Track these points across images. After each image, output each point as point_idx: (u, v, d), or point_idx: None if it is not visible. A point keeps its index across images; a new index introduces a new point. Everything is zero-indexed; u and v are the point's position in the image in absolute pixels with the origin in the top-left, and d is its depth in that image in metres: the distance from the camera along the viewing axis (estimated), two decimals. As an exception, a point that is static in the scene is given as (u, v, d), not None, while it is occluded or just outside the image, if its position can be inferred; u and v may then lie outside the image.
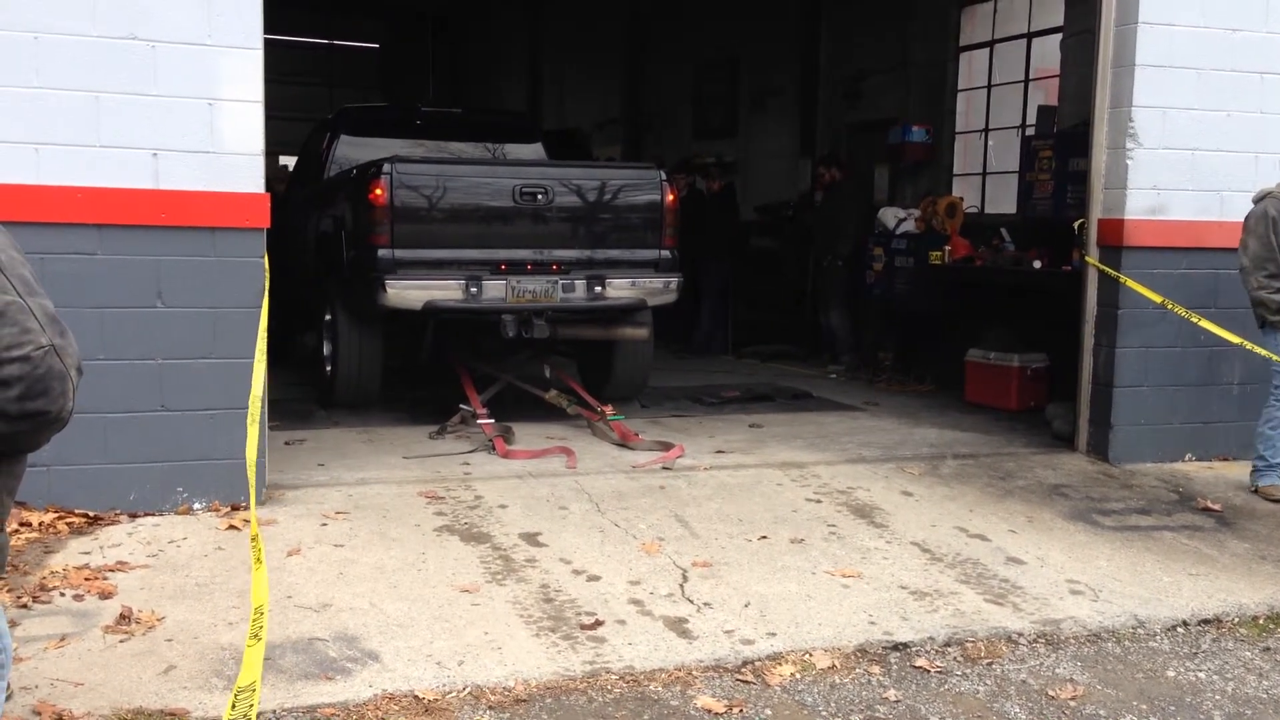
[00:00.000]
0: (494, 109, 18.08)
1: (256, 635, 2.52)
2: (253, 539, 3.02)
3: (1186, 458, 6.95)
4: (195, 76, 5.17)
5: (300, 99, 19.58)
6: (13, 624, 3.96)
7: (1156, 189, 6.71)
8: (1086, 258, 6.90)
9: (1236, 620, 4.61)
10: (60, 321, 2.18)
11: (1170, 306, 6.47)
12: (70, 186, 5.05)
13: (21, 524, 4.91)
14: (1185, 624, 4.55)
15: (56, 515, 5.06)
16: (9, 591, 4.24)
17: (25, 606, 4.18)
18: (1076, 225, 7.02)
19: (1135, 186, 6.68)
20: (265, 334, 5.08)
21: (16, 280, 2.13)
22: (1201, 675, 4.13)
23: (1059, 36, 10.48)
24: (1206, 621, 4.59)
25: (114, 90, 5.08)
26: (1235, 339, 6.32)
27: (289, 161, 12.74)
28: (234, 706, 2.29)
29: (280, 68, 7.56)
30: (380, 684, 3.70)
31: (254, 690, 2.32)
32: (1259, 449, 6.30)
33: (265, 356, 4.92)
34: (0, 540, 2.30)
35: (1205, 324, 6.40)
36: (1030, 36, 11.48)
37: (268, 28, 5.31)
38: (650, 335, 7.97)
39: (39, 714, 3.40)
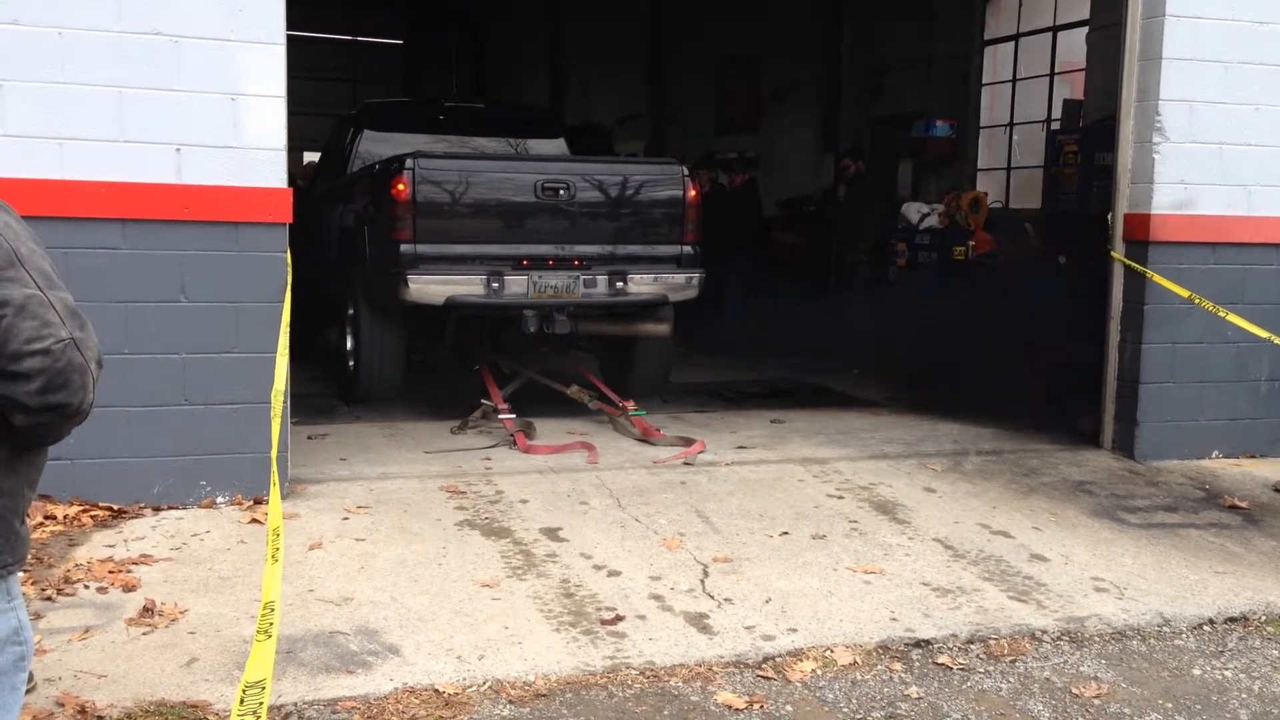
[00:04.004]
0: (517, 104, 18.09)
1: (267, 631, 2.50)
2: (272, 532, 3.02)
3: (1213, 455, 6.89)
4: (218, 72, 5.19)
5: (324, 94, 19.64)
6: (37, 616, 3.99)
7: (1184, 183, 6.65)
8: (1113, 253, 6.84)
9: (1264, 618, 4.57)
10: (80, 315, 2.18)
11: (1198, 301, 6.41)
12: (94, 181, 5.08)
13: (46, 516, 4.94)
14: (1211, 622, 4.51)
15: (81, 508, 5.10)
16: (33, 584, 4.27)
17: (50, 599, 4.21)
18: (1110, 218, 6.93)
19: (1162, 181, 6.62)
20: (288, 329, 5.09)
21: (36, 273, 2.14)
22: (1228, 674, 4.09)
23: (1085, 30, 10.40)
24: (1233, 619, 4.54)
25: (137, 85, 5.10)
26: (1263, 333, 6.25)
27: (313, 157, 12.78)
28: (242, 702, 2.26)
29: (303, 63, 7.56)
30: (401, 677, 3.71)
31: (263, 688, 2.29)
32: None
33: (288, 351, 4.94)
34: (22, 532, 2.31)
35: (1233, 318, 6.34)
36: (1056, 30, 11.39)
37: (291, 23, 5.32)
38: (671, 330, 7.96)
39: (62, 705, 3.42)
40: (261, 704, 2.25)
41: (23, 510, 2.30)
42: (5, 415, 2.15)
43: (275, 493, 3.36)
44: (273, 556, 2.87)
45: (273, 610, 2.59)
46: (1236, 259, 6.78)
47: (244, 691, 2.30)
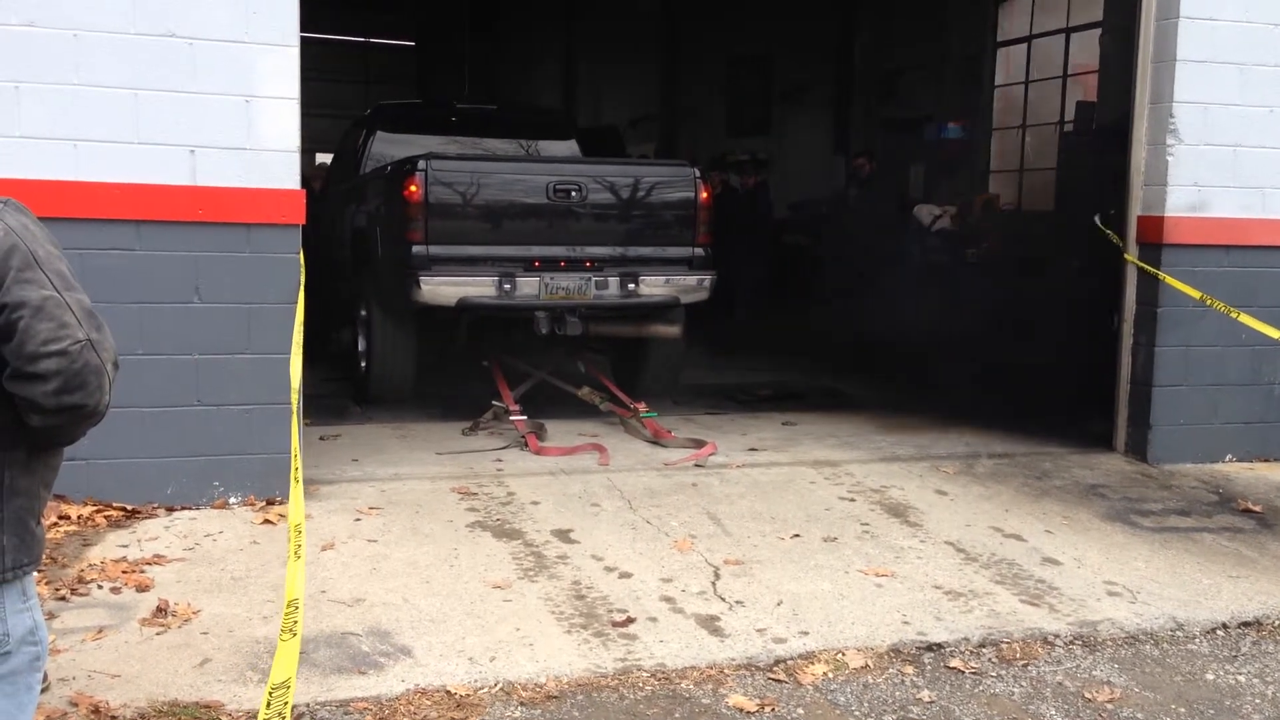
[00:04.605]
0: (529, 106, 18.10)
1: (291, 630, 2.51)
2: (294, 529, 3.03)
3: (1227, 458, 6.86)
4: (232, 74, 5.21)
5: (337, 96, 19.68)
6: (51, 616, 4.01)
7: (1197, 185, 6.62)
8: (1126, 255, 6.82)
9: (1277, 623, 4.54)
10: (97, 316, 2.19)
11: (1210, 303, 6.39)
12: (109, 183, 5.10)
13: (60, 517, 4.96)
14: (1225, 626, 4.49)
15: (95, 508, 5.12)
16: (48, 584, 4.29)
17: (64, 599, 4.23)
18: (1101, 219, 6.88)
19: (1176, 183, 6.59)
20: (302, 329, 5.11)
21: (53, 275, 2.15)
22: (1241, 678, 4.07)
23: (1098, 31, 10.37)
24: (1246, 624, 4.52)
25: (152, 87, 5.12)
26: (1277, 334, 6.22)
27: (325, 158, 12.82)
28: (269, 705, 2.28)
29: (317, 65, 7.61)
30: (413, 679, 3.71)
31: (288, 687, 2.32)
32: None
33: (302, 351, 4.95)
34: (38, 532, 2.32)
35: (1245, 319, 6.31)
36: (1069, 32, 11.36)
37: (304, 25, 5.34)
38: (683, 333, 7.95)
39: (76, 705, 3.43)
40: (287, 704, 2.28)
41: (39, 510, 2.31)
42: (22, 416, 2.16)
43: (297, 490, 3.37)
44: (295, 554, 2.88)
45: (296, 608, 2.60)
46: (1250, 261, 6.76)
47: (270, 694, 2.32)
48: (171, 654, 3.83)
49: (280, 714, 2.23)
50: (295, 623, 2.56)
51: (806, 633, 4.20)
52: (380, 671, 3.76)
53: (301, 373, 4.70)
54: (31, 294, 2.11)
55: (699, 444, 6.73)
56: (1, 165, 4.91)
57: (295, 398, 4.42)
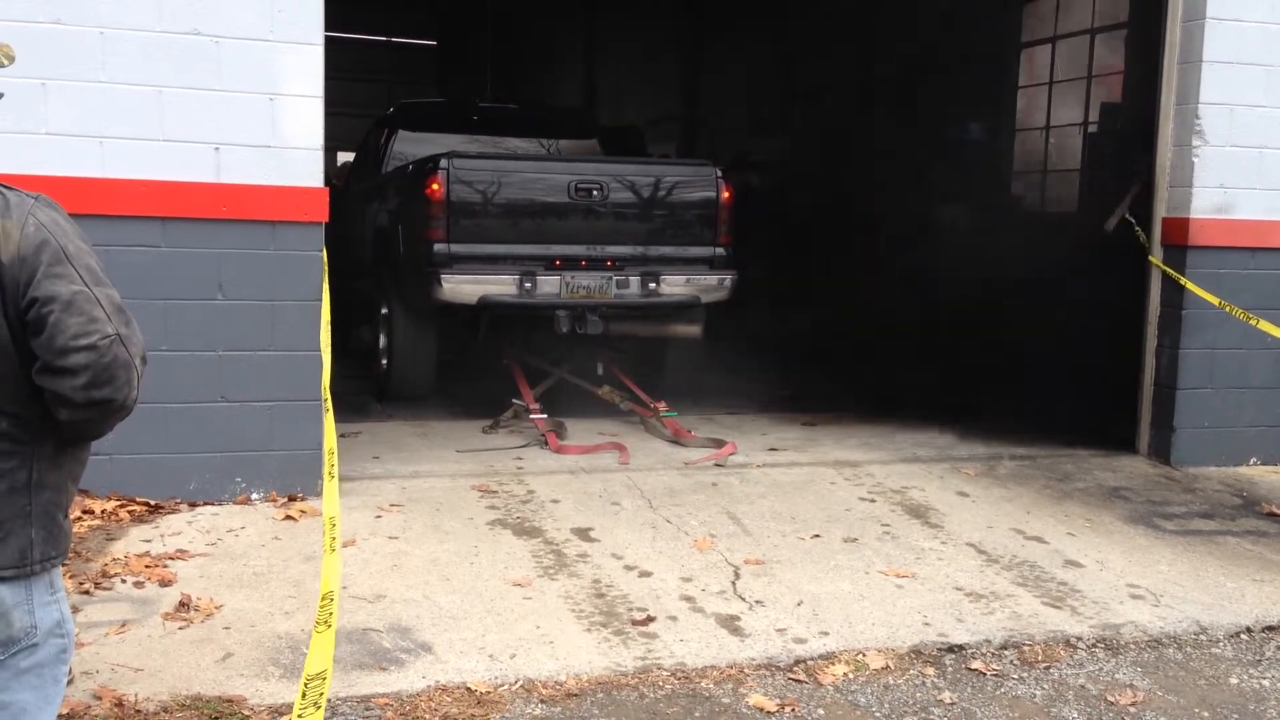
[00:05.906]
0: (550, 104, 18.12)
1: (326, 622, 2.53)
2: (329, 522, 3.06)
3: (1251, 461, 6.81)
4: (257, 72, 5.24)
5: (359, 95, 19.75)
6: (75, 610, 4.03)
7: (1223, 187, 6.58)
8: (1150, 257, 6.78)
9: (1302, 628, 4.51)
10: (126, 311, 2.20)
11: (1229, 309, 6.35)
12: (134, 180, 5.13)
13: (85, 511, 5.00)
14: (1249, 630, 4.46)
15: (118, 503, 5.15)
16: (71, 578, 4.32)
17: (87, 593, 4.26)
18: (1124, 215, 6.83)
19: (1201, 185, 6.56)
20: (329, 326, 5.13)
21: (83, 270, 2.16)
22: (1265, 683, 4.04)
23: (1123, 33, 10.31)
24: (1271, 628, 4.49)
25: (178, 85, 5.15)
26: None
27: (347, 157, 12.86)
28: (304, 695, 2.30)
29: (340, 64, 7.61)
30: (433, 675, 3.72)
31: (324, 679, 2.33)
32: None
33: (330, 349, 4.97)
34: (65, 526, 2.33)
35: (1265, 326, 6.27)
36: (1094, 32, 11.29)
37: (328, 24, 5.36)
38: (704, 332, 7.95)
39: (99, 699, 3.46)
40: (322, 694, 2.29)
41: (66, 504, 2.33)
42: (51, 410, 2.17)
43: (332, 485, 3.40)
44: (330, 547, 2.90)
45: (331, 600, 2.62)
46: (1276, 264, 6.71)
47: (305, 684, 2.33)
48: (194, 648, 3.85)
49: (316, 704, 2.24)
50: (330, 614, 2.57)
51: (827, 633, 4.19)
52: (401, 668, 3.78)
53: (329, 370, 4.73)
54: (61, 289, 2.12)
55: (719, 443, 6.73)
56: (29, 162, 4.95)
57: (326, 394, 4.44)
